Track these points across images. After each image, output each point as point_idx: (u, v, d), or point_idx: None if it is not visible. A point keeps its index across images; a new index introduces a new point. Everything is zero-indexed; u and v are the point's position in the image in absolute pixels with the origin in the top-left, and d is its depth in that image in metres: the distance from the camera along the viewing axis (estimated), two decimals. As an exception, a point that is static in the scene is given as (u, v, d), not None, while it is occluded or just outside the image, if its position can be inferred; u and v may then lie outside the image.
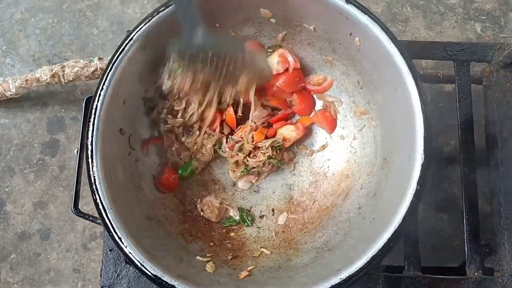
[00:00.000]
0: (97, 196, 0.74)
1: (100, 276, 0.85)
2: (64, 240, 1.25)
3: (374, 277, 0.86)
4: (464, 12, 1.43)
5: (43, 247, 1.25)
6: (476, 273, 0.87)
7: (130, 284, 0.85)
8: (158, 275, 0.70)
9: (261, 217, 0.93)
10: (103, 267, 0.86)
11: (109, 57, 1.19)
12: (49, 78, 1.21)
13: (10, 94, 1.25)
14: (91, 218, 0.88)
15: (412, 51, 0.98)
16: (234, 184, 0.97)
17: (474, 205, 0.91)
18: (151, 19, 0.81)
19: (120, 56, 0.80)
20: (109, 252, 0.87)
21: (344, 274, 0.68)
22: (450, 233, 1.26)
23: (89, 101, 0.92)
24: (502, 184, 0.91)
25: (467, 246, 0.89)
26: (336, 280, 0.68)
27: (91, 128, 0.77)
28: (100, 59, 1.20)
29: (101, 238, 1.26)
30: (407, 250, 0.88)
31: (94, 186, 0.75)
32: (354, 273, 0.68)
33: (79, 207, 0.89)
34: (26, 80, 1.23)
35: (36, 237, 1.25)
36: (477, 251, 0.88)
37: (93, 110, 0.78)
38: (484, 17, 1.42)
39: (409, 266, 0.87)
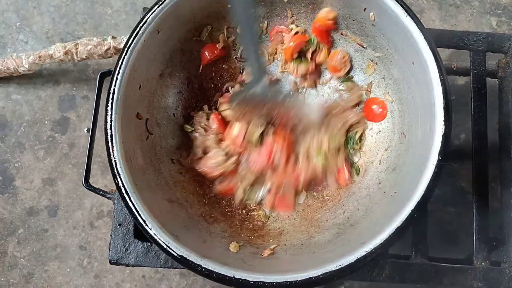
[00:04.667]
0: (119, 180, 0.74)
1: (109, 249, 0.86)
2: (72, 217, 1.26)
3: (381, 263, 0.86)
4: (480, 6, 1.41)
5: (51, 223, 1.26)
6: (483, 263, 0.87)
7: (138, 258, 0.86)
8: (184, 255, 0.70)
9: None
10: (111, 241, 0.86)
11: (123, 37, 1.21)
12: (62, 55, 1.21)
13: (23, 70, 1.26)
14: (101, 193, 0.89)
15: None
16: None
17: (484, 195, 0.90)
18: (164, 1, 0.81)
19: (135, 39, 0.80)
20: (118, 227, 0.87)
21: (369, 247, 0.67)
22: (457, 226, 1.25)
23: (103, 76, 0.93)
24: (513, 175, 0.91)
25: (475, 236, 0.88)
26: (361, 252, 0.67)
27: (109, 113, 0.77)
28: (113, 38, 1.20)
29: (108, 217, 1.27)
30: (415, 238, 0.88)
31: (115, 171, 0.74)
32: (379, 245, 0.67)
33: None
34: (40, 57, 1.23)
35: (44, 213, 1.26)
36: (485, 241, 0.88)
37: (111, 95, 0.78)
38: (500, 11, 1.41)
39: (416, 254, 0.87)
